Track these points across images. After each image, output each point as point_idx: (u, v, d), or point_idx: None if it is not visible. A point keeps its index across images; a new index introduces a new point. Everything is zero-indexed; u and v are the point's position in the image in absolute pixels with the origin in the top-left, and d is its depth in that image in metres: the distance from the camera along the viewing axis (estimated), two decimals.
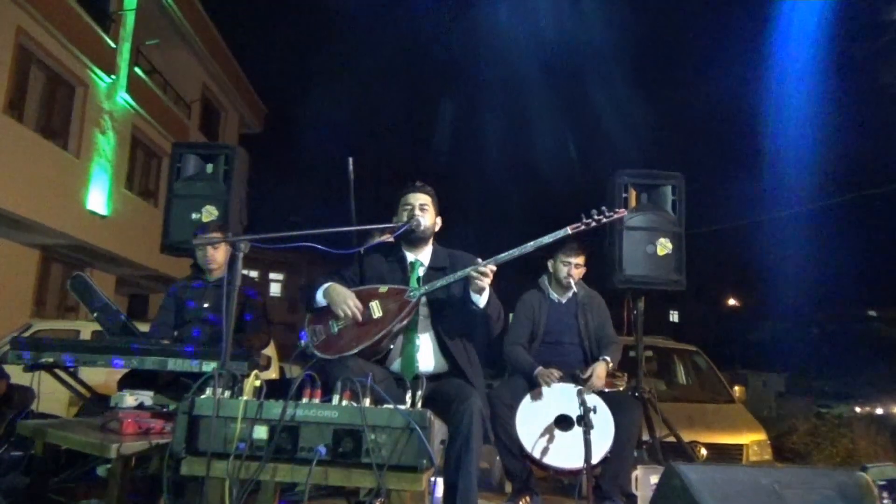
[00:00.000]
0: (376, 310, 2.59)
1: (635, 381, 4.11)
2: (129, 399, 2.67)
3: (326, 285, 2.63)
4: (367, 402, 1.88)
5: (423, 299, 2.66)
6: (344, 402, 1.90)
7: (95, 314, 3.47)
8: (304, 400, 1.89)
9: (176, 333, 3.57)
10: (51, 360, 3.08)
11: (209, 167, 4.25)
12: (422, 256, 2.81)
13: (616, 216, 2.66)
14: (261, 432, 1.85)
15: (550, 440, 3.24)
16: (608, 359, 3.52)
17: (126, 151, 12.44)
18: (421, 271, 2.76)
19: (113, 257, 11.90)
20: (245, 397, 1.90)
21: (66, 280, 3.70)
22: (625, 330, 4.48)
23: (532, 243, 2.59)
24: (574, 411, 3.21)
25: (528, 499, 3.37)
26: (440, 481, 2.36)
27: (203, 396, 1.89)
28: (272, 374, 7.18)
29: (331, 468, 1.83)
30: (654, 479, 3.03)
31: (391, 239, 2.83)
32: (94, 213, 11.12)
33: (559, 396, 3.35)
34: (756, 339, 29.43)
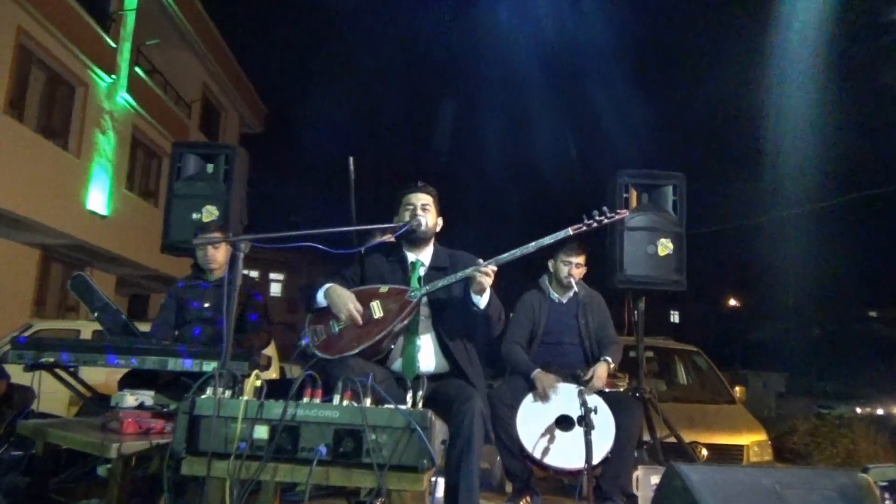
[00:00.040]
0: (377, 310, 2.58)
1: (636, 381, 4.11)
2: (130, 399, 2.67)
3: (327, 286, 2.63)
4: (367, 402, 1.88)
5: (424, 299, 2.66)
6: (345, 402, 1.89)
7: (96, 314, 3.46)
8: (305, 400, 1.89)
9: (176, 333, 3.57)
10: (51, 359, 3.08)
11: (209, 167, 4.24)
12: (423, 256, 2.81)
13: (617, 217, 2.66)
14: (261, 432, 1.84)
15: (551, 440, 3.23)
16: (609, 359, 3.52)
17: (126, 151, 12.45)
18: (422, 271, 2.76)
19: (113, 257, 11.90)
20: (246, 397, 1.90)
21: (67, 280, 3.70)
22: (625, 330, 4.47)
23: (533, 244, 2.59)
24: (575, 411, 3.21)
25: (528, 499, 3.36)
26: (441, 481, 2.36)
27: (203, 396, 1.89)
28: (273, 373, 7.20)
29: (331, 468, 1.83)
30: (655, 480, 3.03)
31: (392, 239, 2.83)
32: (94, 213, 11.12)
33: (560, 397, 3.35)
34: (756, 339, 29.43)
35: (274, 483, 1.88)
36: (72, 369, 3.38)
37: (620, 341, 3.81)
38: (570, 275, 3.69)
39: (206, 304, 3.54)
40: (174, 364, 3.03)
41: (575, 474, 3.25)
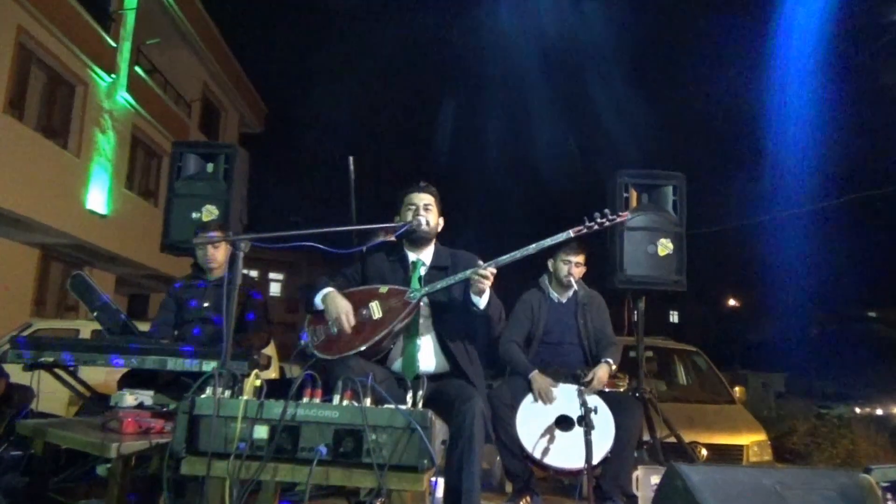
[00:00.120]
0: (376, 310, 2.58)
1: (636, 381, 4.11)
2: (129, 398, 2.67)
3: (325, 291, 2.63)
4: (367, 401, 1.87)
5: (425, 300, 2.66)
6: (345, 402, 1.89)
7: (95, 313, 3.46)
8: (305, 400, 1.88)
9: (176, 333, 3.56)
10: (51, 359, 3.08)
11: (209, 166, 4.24)
12: (424, 256, 2.81)
13: (619, 220, 2.66)
14: (261, 432, 1.84)
15: (551, 440, 3.23)
16: (611, 361, 3.51)
17: (126, 151, 12.44)
18: (423, 271, 2.76)
19: (113, 256, 11.89)
20: (245, 397, 1.90)
21: (66, 279, 3.70)
22: (625, 330, 4.47)
23: (534, 245, 2.59)
24: (575, 412, 3.21)
25: (528, 499, 3.36)
26: (441, 481, 2.36)
27: (203, 396, 1.89)
28: (272, 373, 7.18)
29: (331, 468, 1.83)
30: (655, 480, 3.03)
31: (393, 238, 2.83)
32: (94, 213, 11.12)
33: (560, 397, 3.35)
34: (756, 339, 29.45)
35: (274, 483, 1.87)
36: (71, 369, 3.38)
37: (619, 342, 3.81)
38: (569, 274, 3.69)
39: (206, 304, 3.53)
40: (174, 363, 3.03)
41: (575, 474, 3.25)
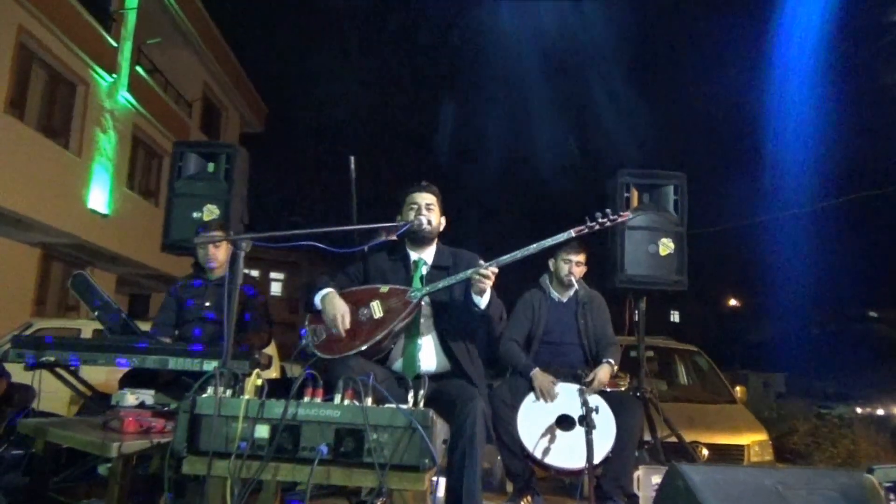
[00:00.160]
0: (377, 310, 2.58)
1: (637, 381, 4.10)
2: (131, 398, 2.67)
3: (324, 292, 2.62)
4: (368, 401, 1.87)
5: (426, 299, 2.66)
6: (346, 402, 1.89)
7: (96, 313, 3.46)
8: (306, 399, 1.88)
9: (177, 332, 3.56)
10: (52, 358, 3.08)
11: (210, 166, 4.24)
12: (425, 255, 2.81)
13: (620, 220, 2.65)
14: (262, 431, 1.84)
15: (552, 440, 3.23)
16: (612, 361, 3.51)
17: (127, 150, 12.44)
18: (424, 270, 2.76)
19: (114, 256, 11.90)
20: (246, 396, 1.90)
21: (67, 279, 3.70)
22: (626, 330, 4.47)
23: (535, 245, 2.59)
24: (576, 411, 3.20)
25: (529, 499, 3.36)
26: (442, 481, 2.36)
27: (204, 395, 1.89)
28: (273, 373, 7.19)
29: (332, 467, 1.83)
30: (656, 480, 3.03)
31: (395, 237, 2.83)
32: (95, 212, 11.12)
33: (561, 396, 3.35)
34: (757, 339, 29.46)
35: (275, 482, 1.87)
36: (72, 368, 3.38)
37: (619, 342, 3.81)
38: (570, 273, 3.69)
39: (207, 304, 3.54)
40: (175, 363, 3.03)
41: (576, 474, 3.24)
